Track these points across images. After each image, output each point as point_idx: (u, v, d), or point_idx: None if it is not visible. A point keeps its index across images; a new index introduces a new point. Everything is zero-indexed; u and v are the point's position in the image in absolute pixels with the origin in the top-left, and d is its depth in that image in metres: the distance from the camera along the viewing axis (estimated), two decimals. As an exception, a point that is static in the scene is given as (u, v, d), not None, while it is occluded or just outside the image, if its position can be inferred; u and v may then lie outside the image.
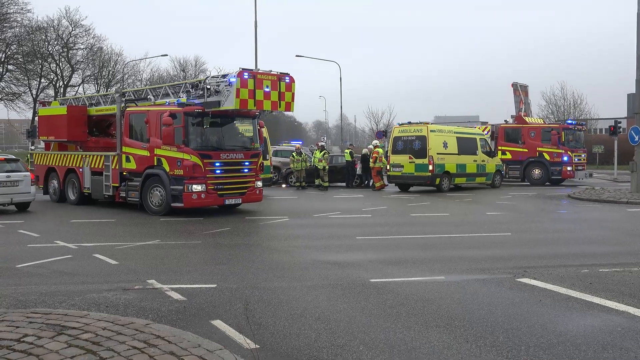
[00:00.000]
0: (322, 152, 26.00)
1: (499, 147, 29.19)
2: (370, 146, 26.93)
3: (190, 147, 14.82)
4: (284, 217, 14.90)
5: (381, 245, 10.63)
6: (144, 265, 8.69)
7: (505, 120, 31.13)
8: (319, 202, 19.99)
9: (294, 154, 26.52)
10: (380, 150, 25.72)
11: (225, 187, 15.35)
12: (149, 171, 15.66)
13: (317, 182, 26.11)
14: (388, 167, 24.72)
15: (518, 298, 6.58)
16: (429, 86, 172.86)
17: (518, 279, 7.50)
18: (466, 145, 24.79)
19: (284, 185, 28.02)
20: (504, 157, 28.72)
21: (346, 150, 29.72)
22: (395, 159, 24.20)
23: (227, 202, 15.59)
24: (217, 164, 15.10)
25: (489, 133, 29.22)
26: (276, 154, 30.69)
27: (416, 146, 23.53)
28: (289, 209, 16.97)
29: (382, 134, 38.20)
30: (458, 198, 20.76)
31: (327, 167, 25.67)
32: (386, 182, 25.37)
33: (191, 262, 8.92)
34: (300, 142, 32.92)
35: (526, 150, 28.67)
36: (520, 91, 32.66)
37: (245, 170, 15.82)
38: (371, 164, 24.96)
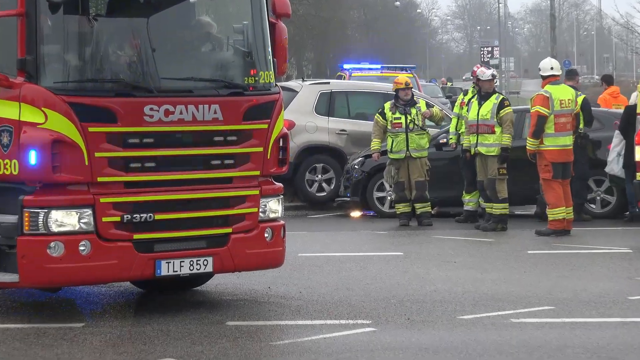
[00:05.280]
0: (496, 98, 17.50)
1: None
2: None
3: (47, 85, 11.28)
4: (358, 324, 10.93)
5: None
6: None
7: None
8: (480, 268, 14.69)
9: (386, 107, 18.12)
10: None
11: (161, 217, 11.44)
12: None
13: (467, 199, 18.14)
14: None
15: None
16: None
17: None
18: None
19: (354, 215, 19.90)
20: None
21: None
22: None
23: (164, 271, 11.50)
24: (133, 139, 11.35)
25: None
26: (328, 110, 21.33)
27: None
28: (373, 297, 12.42)
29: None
30: None
31: (509, 147, 17.47)
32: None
33: None
34: (412, 69, 28.66)
35: None
36: None
37: (228, 162, 11.76)
38: (530, 145, 16.82)
